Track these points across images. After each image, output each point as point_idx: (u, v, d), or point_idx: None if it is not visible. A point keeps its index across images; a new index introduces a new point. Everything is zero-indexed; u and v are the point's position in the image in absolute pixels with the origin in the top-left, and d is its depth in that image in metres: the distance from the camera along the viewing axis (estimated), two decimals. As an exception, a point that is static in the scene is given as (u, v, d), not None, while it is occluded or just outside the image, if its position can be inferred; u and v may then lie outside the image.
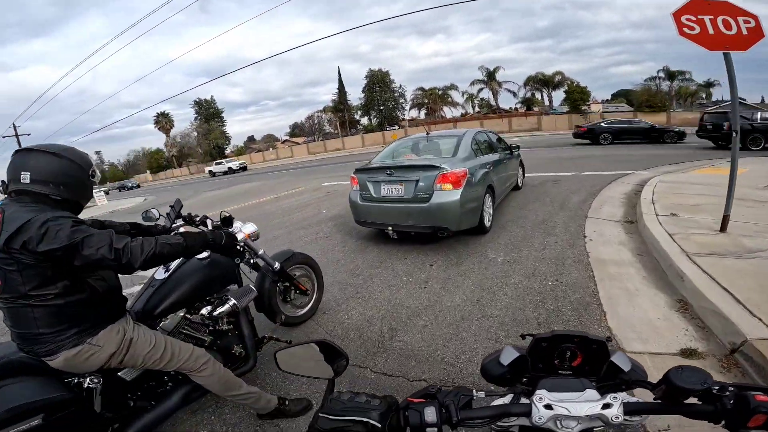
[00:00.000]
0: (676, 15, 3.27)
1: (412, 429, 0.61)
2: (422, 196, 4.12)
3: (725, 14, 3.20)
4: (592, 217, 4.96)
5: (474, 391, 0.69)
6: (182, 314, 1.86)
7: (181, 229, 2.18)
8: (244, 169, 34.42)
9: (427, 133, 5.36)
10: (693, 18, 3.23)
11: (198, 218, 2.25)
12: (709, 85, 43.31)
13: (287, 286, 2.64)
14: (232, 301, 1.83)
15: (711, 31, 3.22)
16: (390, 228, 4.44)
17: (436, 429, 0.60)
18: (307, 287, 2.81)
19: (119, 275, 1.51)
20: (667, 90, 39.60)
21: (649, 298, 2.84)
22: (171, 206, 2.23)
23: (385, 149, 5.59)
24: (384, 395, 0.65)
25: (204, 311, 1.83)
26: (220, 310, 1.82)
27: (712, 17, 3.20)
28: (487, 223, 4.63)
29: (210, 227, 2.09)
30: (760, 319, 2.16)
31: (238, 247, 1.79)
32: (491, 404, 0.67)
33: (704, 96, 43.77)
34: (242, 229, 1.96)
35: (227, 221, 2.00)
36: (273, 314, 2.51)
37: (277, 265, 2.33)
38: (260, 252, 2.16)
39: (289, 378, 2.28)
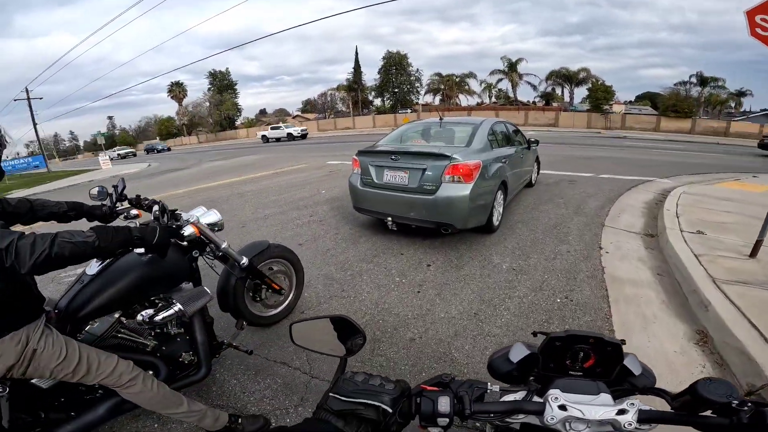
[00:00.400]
0: (750, 13, 2.95)
1: (423, 417, 0.59)
2: (428, 187, 3.76)
3: (807, 17, 2.84)
4: (609, 225, 4.56)
5: (488, 384, 0.67)
6: (117, 316, 1.54)
7: (133, 212, 1.87)
8: (304, 137, 30.13)
9: (441, 119, 4.94)
10: None
11: (146, 202, 1.90)
12: (741, 94, 41.51)
13: (257, 283, 2.30)
14: (178, 306, 1.51)
15: None
16: (389, 219, 4.09)
17: (447, 419, 0.58)
18: (281, 285, 2.45)
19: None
20: (696, 96, 37.96)
21: (666, 326, 2.54)
22: (114, 186, 1.88)
23: (393, 132, 5.18)
24: (398, 379, 0.64)
25: (143, 315, 1.51)
26: (162, 315, 1.50)
27: None
28: (496, 222, 4.27)
29: (152, 216, 1.74)
30: (787, 363, 1.88)
31: (185, 243, 1.45)
32: (501, 399, 0.66)
33: (733, 105, 42.00)
34: (200, 219, 1.62)
35: (163, 210, 1.66)
36: (239, 315, 2.19)
37: (244, 260, 1.97)
38: (223, 246, 1.81)
39: (249, 389, 2.00)
